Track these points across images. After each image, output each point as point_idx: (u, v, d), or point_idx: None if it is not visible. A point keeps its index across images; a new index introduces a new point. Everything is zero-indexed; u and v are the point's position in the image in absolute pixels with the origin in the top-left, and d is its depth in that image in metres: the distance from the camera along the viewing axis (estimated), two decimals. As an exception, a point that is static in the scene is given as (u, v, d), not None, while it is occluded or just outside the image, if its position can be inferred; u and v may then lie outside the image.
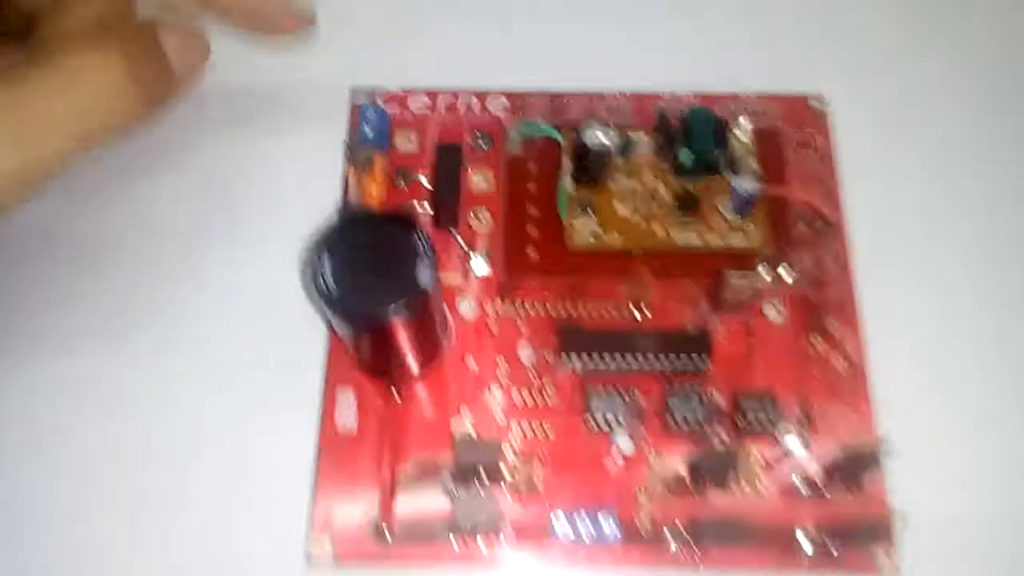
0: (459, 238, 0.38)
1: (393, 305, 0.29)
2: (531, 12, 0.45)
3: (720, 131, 0.38)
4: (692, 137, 0.38)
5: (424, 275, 0.30)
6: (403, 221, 0.31)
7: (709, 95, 0.42)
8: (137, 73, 0.28)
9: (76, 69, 0.27)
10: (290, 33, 0.35)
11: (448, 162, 0.37)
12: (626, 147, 0.39)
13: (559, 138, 0.40)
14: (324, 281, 0.30)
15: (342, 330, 0.32)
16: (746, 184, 0.36)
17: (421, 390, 0.36)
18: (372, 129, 0.39)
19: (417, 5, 0.45)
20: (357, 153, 0.38)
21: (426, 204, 0.39)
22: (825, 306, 0.37)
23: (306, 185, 0.40)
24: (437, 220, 0.38)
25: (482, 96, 0.42)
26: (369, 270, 0.30)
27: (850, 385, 0.36)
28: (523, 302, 0.38)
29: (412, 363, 0.35)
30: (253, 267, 0.38)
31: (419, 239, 0.30)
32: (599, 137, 0.36)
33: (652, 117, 0.41)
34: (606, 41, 0.44)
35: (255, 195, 0.40)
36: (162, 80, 0.30)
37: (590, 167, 0.37)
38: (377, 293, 0.30)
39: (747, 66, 0.43)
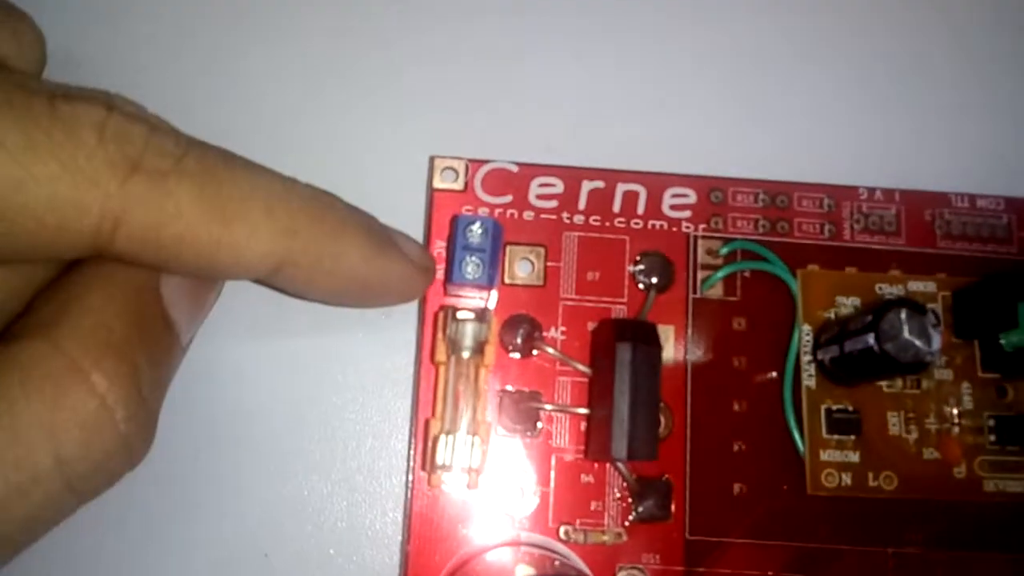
0: (622, 467, 0.22)
1: None
2: (730, 54, 0.26)
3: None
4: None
5: None
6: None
7: (1022, 200, 0.25)
8: (140, 399, 0.17)
9: (54, 407, 0.16)
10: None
11: (639, 363, 0.20)
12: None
13: (791, 282, 0.24)
14: None
15: None
16: None
17: None
18: (480, 260, 0.21)
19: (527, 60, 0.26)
20: (459, 325, 0.21)
21: (570, 410, 0.22)
22: None
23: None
24: (605, 455, 0.21)
25: (653, 185, 0.24)
26: None
27: None
28: (727, 584, 0.22)
29: None
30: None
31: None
32: (915, 344, 0.20)
33: (931, 232, 0.25)
34: (858, 107, 0.26)
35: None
36: (165, 379, 0.19)
37: (871, 373, 0.21)
38: None
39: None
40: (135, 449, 0.17)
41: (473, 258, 0.22)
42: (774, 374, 0.23)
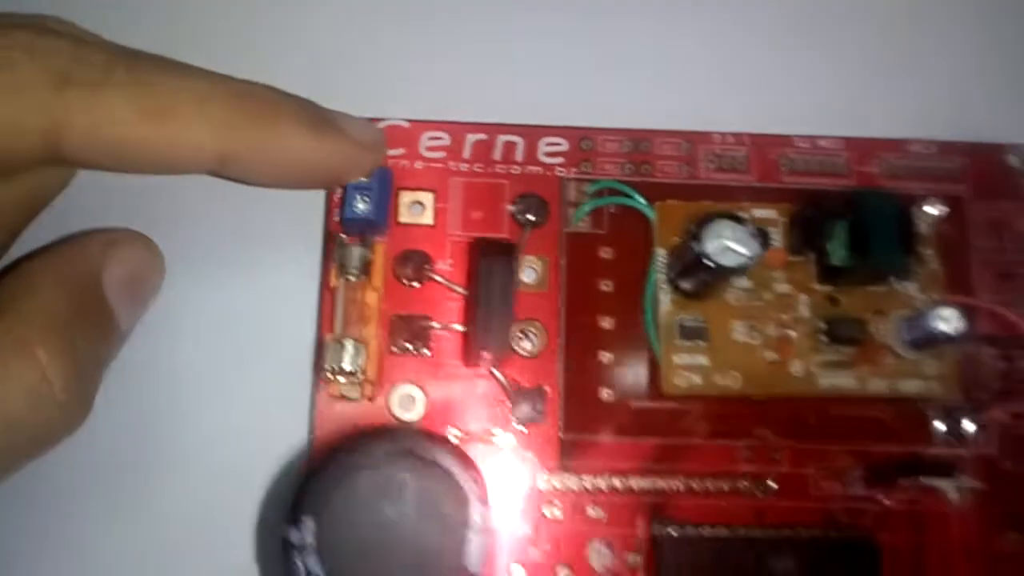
0: (500, 376, 0.26)
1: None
2: (596, 14, 0.30)
3: (906, 226, 0.25)
4: (869, 235, 0.24)
5: (473, 555, 0.18)
6: (437, 446, 0.18)
7: (860, 140, 0.28)
8: (77, 373, 0.20)
9: (2, 377, 0.19)
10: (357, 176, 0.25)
11: (495, 271, 0.23)
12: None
13: (649, 214, 0.27)
14: (304, 567, 0.17)
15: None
16: (952, 321, 0.24)
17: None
18: (368, 198, 0.25)
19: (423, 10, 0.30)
20: (346, 249, 0.24)
21: (452, 326, 0.26)
22: (1031, 486, 0.26)
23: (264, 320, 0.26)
24: (473, 353, 0.25)
25: (530, 135, 0.28)
26: (379, 542, 0.17)
27: (1067, 612, 0.25)
28: (594, 475, 0.25)
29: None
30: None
31: (468, 484, 0.18)
32: (733, 249, 0.23)
33: (776, 169, 0.28)
34: (712, 60, 0.30)
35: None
36: (103, 358, 0.22)
37: (707, 281, 0.25)
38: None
39: (911, 102, 0.29)
40: (72, 416, 0.20)
41: (362, 195, 0.25)
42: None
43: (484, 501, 0.18)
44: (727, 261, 0.23)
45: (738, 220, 0.23)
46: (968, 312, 0.25)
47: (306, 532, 0.17)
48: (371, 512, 0.17)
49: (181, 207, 0.27)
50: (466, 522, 0.17)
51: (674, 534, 0.24)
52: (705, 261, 0.23)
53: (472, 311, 0.23)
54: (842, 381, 0.26)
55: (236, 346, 0.26)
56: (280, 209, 0.27)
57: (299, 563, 0.17)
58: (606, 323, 0.26)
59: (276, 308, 0.26)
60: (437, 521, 0.17)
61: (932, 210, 0.26)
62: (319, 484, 0.17)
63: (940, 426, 0.26)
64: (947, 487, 0.24)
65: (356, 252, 0.24)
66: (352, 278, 0.24)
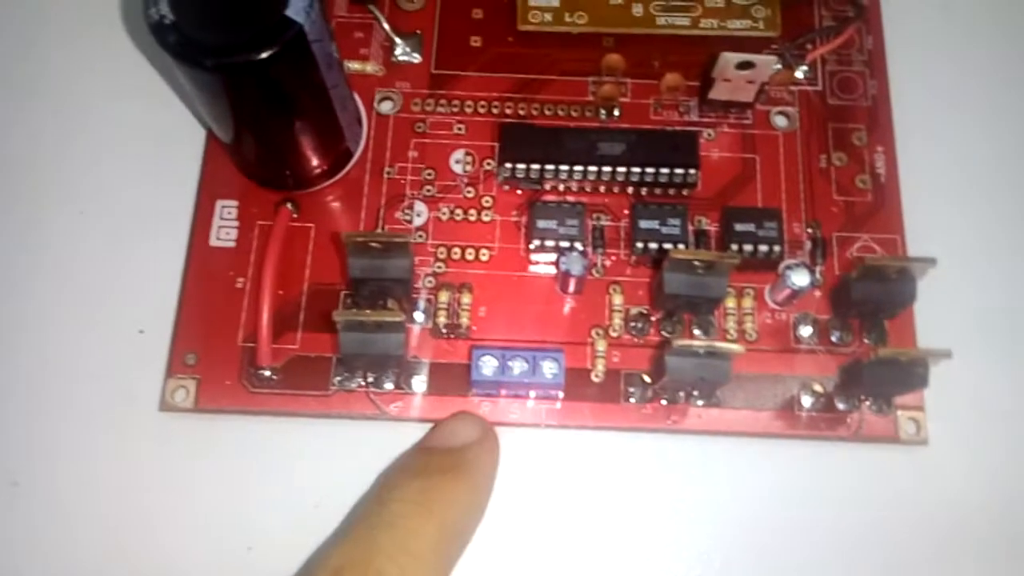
0: (380, 16, 0.30)
1: (252, 45, 0.21)
2: None
3: None
4: None
5: (297, 6, 0.22)
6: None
7: None
8: None
9: None
10: None
11: None
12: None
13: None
14: (158, 9, 0.21)
15: (202, 99, 0.24)
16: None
17: (321, 204, 0.28)
18: None
19: None
20: None
21: (337, -33, 0.30)
22: (849, 114, 0.29)
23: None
24: None
25: None
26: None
27: (876, 212, 0.28)
28: (460, 101, 0.29)
29: (307, 161, 0.27)
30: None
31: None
32: None
33: None
34: None
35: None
36: None
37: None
38: (231, 27, 0.21)
39: None
40: None
41: None
42: None
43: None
44: None
45: None
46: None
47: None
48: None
49: None
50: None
51: (521, 127, 0.28)
52: None
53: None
54: (678, 22, 0.29)
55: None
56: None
57: (153, 10, 0.21)
58: (480, -15, 0.31)
59: None
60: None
61: None
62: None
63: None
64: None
65: None
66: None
